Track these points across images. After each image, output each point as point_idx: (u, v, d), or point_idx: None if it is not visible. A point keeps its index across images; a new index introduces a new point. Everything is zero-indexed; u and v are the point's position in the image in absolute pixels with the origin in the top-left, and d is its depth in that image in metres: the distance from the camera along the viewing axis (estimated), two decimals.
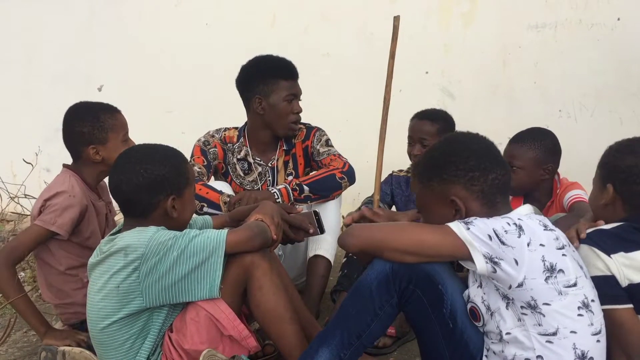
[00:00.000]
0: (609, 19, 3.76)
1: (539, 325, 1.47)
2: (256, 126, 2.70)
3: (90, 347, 2.01)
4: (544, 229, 1.53)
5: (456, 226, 1.51)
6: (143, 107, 4.30)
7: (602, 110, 3.82)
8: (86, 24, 4.45)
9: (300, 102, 2.69)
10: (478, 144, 1.67)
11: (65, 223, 2.16)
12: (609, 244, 1.61)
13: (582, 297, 1.50)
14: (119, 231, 1.88)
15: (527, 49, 3.91)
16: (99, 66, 4.42)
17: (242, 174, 2.75)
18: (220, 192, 2.49)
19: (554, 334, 1.47)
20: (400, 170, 2.91)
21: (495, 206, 1.60)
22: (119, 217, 2.05)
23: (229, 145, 2.75)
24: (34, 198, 2.69)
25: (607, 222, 1.73)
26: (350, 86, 4.10)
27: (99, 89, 4.40)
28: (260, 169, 2.74)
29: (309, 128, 2.77)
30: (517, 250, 1.46)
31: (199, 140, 2.73)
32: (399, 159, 2.90)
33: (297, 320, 1.93)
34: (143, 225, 1.81)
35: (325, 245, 2.54)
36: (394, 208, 2.87)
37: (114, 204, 2.48)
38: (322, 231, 2.29)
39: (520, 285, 1.46)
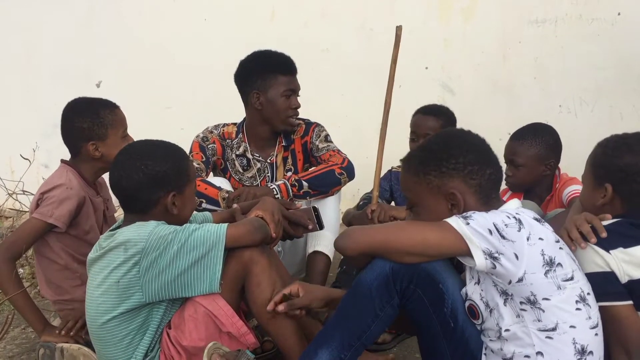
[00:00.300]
0: (610, 14, 3.75)
1: (539, 321, 1.46)
2: (255, 122, 2.69)
3: (88, 344, 2.01)
4: (540, 223, 1.53)
5: (455, 222, 1.49)
6: (142, 103, 4.28)
7: (602, 105, 3.82)
8: (85, 19, 4.43)
9: (299, 97, 2.68)
10: (475, 139, 1.66)
11: (63, 215, 2.14)
12: (608, 239, 1.59)
13: (579, 290, 1.50)
14: (118, 227, 1.88)
15: (527, 44, 3.90)
16: (98, 62, 4.40)
17: (241, 170, 2.74)
18: (219, 188, 2.48)
19: (554, 329, 1.46)
20: (400, 166, 2.89)
21: (490, 201, 1.60)
22: (119, 213, 2.05)
23: (227, 141, 2.74)
24: (32, 194, 2.68)
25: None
26: (349, 82, 4.09)
27: (98, 85, 4.38)
28: (259, 164, 2.73)
29: (308, 124, 2.76)
30: (517, 245, 1.45)
31: (197, 136, 2.72)
32: (398, 154, 2.88)
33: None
34: (143, 221, 1.81)
35: (324, 241, 2.53)
36: (392, 204, 2.86)
37: (113, 200, 2.48)
38: (321, 227, 2.28)
39: (520, 280, 1.45)
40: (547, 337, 1.46)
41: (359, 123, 4.01)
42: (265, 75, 2.61)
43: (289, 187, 2.50)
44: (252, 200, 2.28)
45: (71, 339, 2.07)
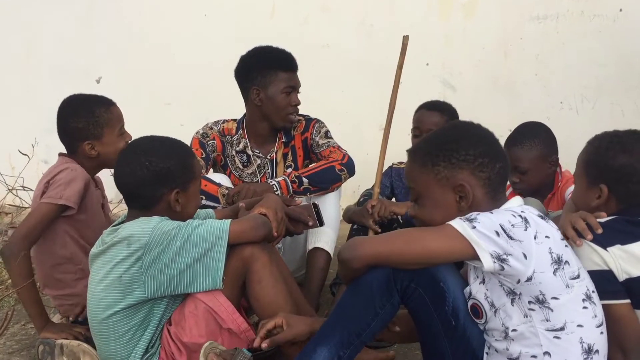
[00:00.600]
0: (611, 10, 3.74)
1: (547, 320, 1.45)
2: (254, 118, 2.69)
3: (88, 340, 2.01)
4: (545, 221, 1.51)
5: (460, 225, 1.46)
6: (142, 99, 4.28)
7: (603, 102, 3.81)
8: (85, 16, 4.41)
9: (299, 94, 2.67)
10: (484, 132, 1.64)
11: (73, 194, 2.11)
12: (604, 237, 1.59)
13: (585, 288, 1.49)
14: (122, 222, 1.88)
15: (529, 40, 3.89)
16: (97, 58, 4.39)
17: (241, 167, 2.73)
18: (219, 185, 2.47)
19: (562, 328, 1.45)
20: (401, 162, 2.89)
21: (497, 196, 1.58)
22: (118, 209, 2.04)
23: (227, 137, 2.73)
24: (32, 190, 2.67)
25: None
26: (350, 78, 4.08)
27: (97, 81, 4.37)
28: (259, 161, 2.72)
29: (308, 120, 2.75)
30: (525, 244, 1.43)
31: (197, 133, 2.71)
32: (399, 150, 2.88)
33: (297, 313, 1.91)
34: (146, 217, 1.81)
35: (324, 238, 2.53)
36: (393, 200, 2.85)
37: (111, 199, 2.47)
38: (321, 223, 2.28)
39: (529, 279, 1.43)
40: (555, 336, 1.45)
41: (359, 119, 4.00)
42: (266, 71, 2.60)
43: (289, 184, 2.50)
44: (254, 198, 2.28)
45: (71, 335, 2.07)
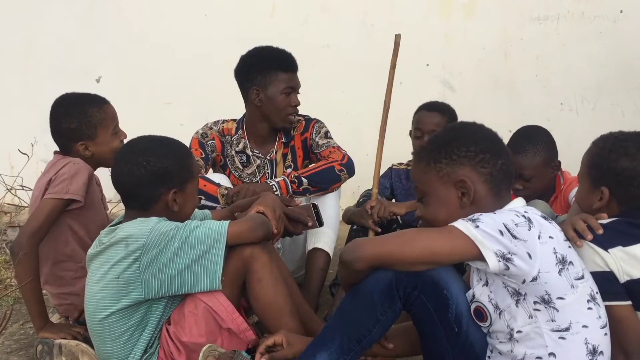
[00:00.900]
0: (612, 12, 3.75)
1: (552, 321, 1.44)
2: (254, 118, 2.68)
3: (86, 340, 2.00)
4: (547, 221, 1.51)
5: (463, 225, 1.45)
6: (141, 98, 4.28)
7: (603, 103, 3.81)
8: (85, 15, 4.41)
9: (299, 94, 2.66)
10: (487, 130, 1.65)
11: (79, 188, 2.09)
12: (606, 238, 1.59)
13: (589, 289, 1.49)
14: (119, 222, 1.87)
15: (529, 41, 3.89)
16: (97, 57, 4.39)
17: (240, 167, 2.73)
18: (218, 185, 2.47)
19: (567, 329, 1.44)
20: (400, 163, 2.89)
21: (500, 193, 1.58)
22: (117, 209, 2.04)
23: (227, 137, 2.72)
24: (31, 189, 2.66)
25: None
26: (350, 78, 4.08)
27: (97, 81, 4.37)
28: (258, 161, 2.72)
29: (308, 120, 2.75)
30: (529, 244, 1.42)
31: (196, 133, 2.71)
32: (399, 152, 2.89)
33: (297, 313, 1.92)
34: (144, 217, 1.80)
35: (324, 238, 2.52)
36: (393, 201, 2.85)
37: (109, 197, 2.46)
38: (321, 224, 2.27)
39: (534, 279, 1.42)
40: (560, 337, 1.44)
41: (359, 120, 4.00)
42: (266, 71, 2.60)
43: (289, 184, 2.49)
44: (251, 197, 2.27)
45: (69, 335, 2.06)
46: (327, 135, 2.72)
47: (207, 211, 2.21)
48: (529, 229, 1.44)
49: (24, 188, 3.46)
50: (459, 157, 1.57)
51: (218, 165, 2.75)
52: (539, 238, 1.44)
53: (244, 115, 2.75)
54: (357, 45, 4.09)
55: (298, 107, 2.66)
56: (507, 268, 1.42)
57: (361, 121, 3.98)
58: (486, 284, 1.54)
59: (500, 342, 1.53)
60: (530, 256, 1.41)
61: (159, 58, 4.31)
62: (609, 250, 1.57)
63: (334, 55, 4.12)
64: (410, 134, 2.76)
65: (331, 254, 2.55)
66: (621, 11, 3.72)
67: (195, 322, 1.80)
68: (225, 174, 2.72)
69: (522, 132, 2.46)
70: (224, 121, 2.76)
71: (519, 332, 1.47)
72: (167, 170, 1.82)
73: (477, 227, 1.43)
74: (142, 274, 1.74)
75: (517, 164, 2.33)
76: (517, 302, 1.47)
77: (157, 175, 1.81)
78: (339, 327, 1.60)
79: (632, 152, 1.69)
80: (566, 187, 2.41)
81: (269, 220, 1.96)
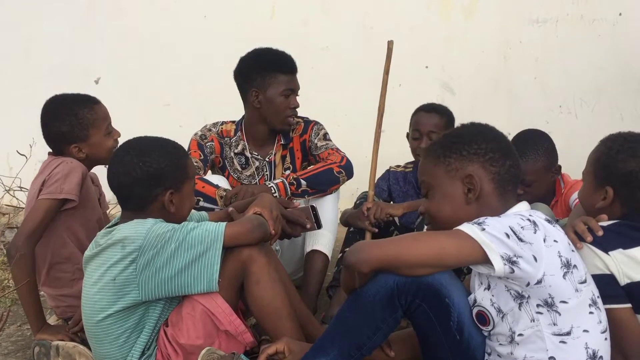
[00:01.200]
0: (611, 14, 3.75)
1: (554, 324, 1.44)
2: (253, 120, 2.68)
3: (84, 342, 2.00)
4: (551, 225, 1.51)
5: (469, 229, 1.45)
6: (140, 99, 4.28)
7: (602, 106, 3.82)
8: (84, 16, 4.41)
9: (298, 96, 2.66)
10: (498, 132, 1.67)
11: (73, 187, 2.08)
12: (607, 241, 1.59)
13: (591, 293, 1.49)
14: (115, 224, 1.87)
15: (528, 44, 3.90)
16: (96, 59, 4.39)
17: (239, 169, 2.72)
18: (217, 187, 2.47)
19: (568, 333, 1.44)
20: (398, 166, 2.89)
21: (505, 194, 1.58)
22: (116, 211, 2.03)
23: (226, 139, 2.72)
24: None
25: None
26: (349, 80, 4.08)
27: (96, 82, 4.37)
28: (257, 163, 2.71)
29: (307, 122, 2.75)
30: (535, 247, 1.42)
31: (195, 134, 2.71)
32: (397, 153, 2.89)
33: (295, 315, 1.91)
34: (140, 218, 1.80)
35: (322, 240, 2.52)
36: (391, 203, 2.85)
37: (108, 198, 2.45)
38: (319, 226, 2.27)
39: (539, 282, 1.42)
40: (560, 341, 1.44)
41: (358, 122, 3.99)
42: (265, 73, 2.59)
43: (287, 186, 2.49)
44: (249, 198, 2.27)
45: (67, 337, 2.06)
46: (325, 137, 2.72)
47: (204, 213, 2.20)
48: (535, 232, 1.44)
49: (23, 189, 3.45)
50: (469, 153, 1.59)
51: (217, 167, 2.75)
52: (544, 241, 1.44)
53: (243, 117, 2.75)
54: (356, 48, 4.09)
55: (297, 109, 2.66)
56: (512, 271, 1.41)
57: (360, 123, 3.96)
58: (488, 287, 1.54)
59: (500, 344, 1.53)
60: (535, 259, 1.41)
61: (158, 59, 4.31)
62: (609, 252, 1.57)
63: (334, 57, 4.12)
64: (407, 136, 2.76)
65: (329, 256, 2.54)
66: (620, 14, 3.72)
67: (193, 324, 1.79)
68: (224, 175, 2.71)
69: (523, 136, 2.44)
70: (223, 123, 2.76)
71: (520, 335, 1.47)
72: (163, 171, 1.82)
73: (484, 229, 1.43)
74: (138, 275, 1.73)
75: None
76: (520, 305, 1.47)
77: (153, 176, 1.81)
78: (339, 333, 1.59)
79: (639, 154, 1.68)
80: (567, 191, 2.41)
81: (266, 221, 1.96)
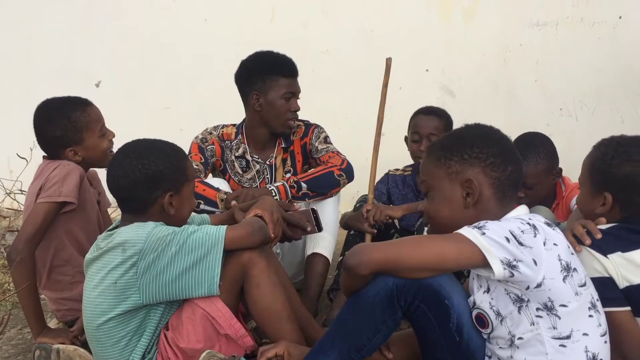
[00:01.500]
0: (611, 17, 3.76)
1: (554, 328, 1.44)
2: (254, 123, 2.68)
3: (84, 345, 1.99)
4: (551, 228, 1.51)
5: (469, 233, 1.45)
6: (141, 103, 4.28)
7: (603, 108, 3.82)
8: (84, 19, 4.42)
9: (298, 99, 2.66)
10: (502, 136, 1.65)
11: (71, 190, 2.07)
12: (605, 244, 1.59)
13: (590, 297, 1.49)
14: (116, 227, 1.87)
15: (528, 46, 3.90)
16: (97, 62, 4.39)
17: (240, 172, 2.73)
18: (217, 190, 2.47)
19: (568, 337, 1.44)
20: (397, 170, 2.89)
21: (504, 199, 1.58)
22: (117, 214, 2.03)
23: (227, 142, 2.72)
24: None
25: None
26: (349, 83, 4.08)
27: (97, 85, 4.37)
28: (258, 166, 2.72)
29: (308, 125, 2.75)
30: (535, 250, 1.42)
31: (196, 138, 2.71)
32: (398, 156, 2.89)
33: (295, 318, 1.91)
34: (141, 221, 1.80)
35: (323, 243, 2.52)
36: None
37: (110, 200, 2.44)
38: (320, 229, 2.27)
39: (538, 285, 1.42)
40: (560, 345, 1.44)
41: (358, 124, 3.99)
42: (266, 76, 2.60)
43: (288, 189, 2.49)
44: (250, 201, 2.27)
45: (67, 340, 2.06)
46: (326, 140, 2.72)
47: (205, 215, 2.20)
48: (535, 236, 1.44)
49: (23, 192, 3.45)
50: (470, 157, 1.58)
51: (218, 170, 2.75)
52: (544, 245, 1.44)
53: (244, 120, 2.75)
54: (356, 50, 4.09)
55: (298, 112, 2.67)
56: (512, 275, 1.42)
57: (360, 126, 3.96)
58: (487, 290, 1.54)
59: (500, 347, 1.53)
60: (535, 263, 1.41)
61: (159, 63, 4.32)
62: (608, 255, 1.57)
63: (334, 60, 4.13)
64: (405, 139, 2.76)
65: (330, 259, 2.54)
66: (620, 17, 3.73)
67: (193, 327, 1.79)
68: (224, 178, 2.71)
69: (524, 139, 2.44)
70: (223, 126, 2.76)
71: (520, 338, 1.47)
72: (162, 173, 1.81)
73: (484, 234, 1.43)
74: (139, 279, 1.73)
75: None
76: (519, 308, 1.47)
77: (152, 178, 1.80)
78: (339, 335, 1.59)
79: (635, 158, 1.68)
80: (568, 193, 2.41)
81: (266, 224, 1.96)
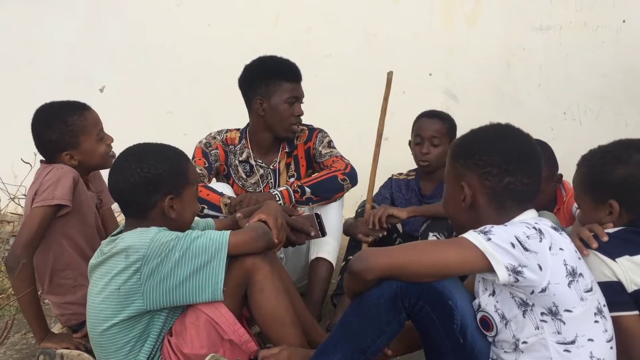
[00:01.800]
0: (615, 21, 3.75)
1: (558, 333, 1.44)
2: (257, 128, 2.68)
3: (88, 350, 1.99)
4: (558, 232, 1.50)
5: (475, 238, 1.45)
6: (144, 108, 4.29)
7: (606, 113, 3.81)
8: (88, 24, 4.44)
9: (302, 104, 2.66)
10: (514, 143, 1.61)
11: (65, 192, 2.06)
12: (613, 247, 1.58)
13: (597, 302, 1.48)
14: (120, 232, 1.87)
15: (532, 51, 3.89)
16: (101, 67, 4.40)
17: (244, 176, 2.73)
18: (221, 194, 2.47)
19: (573, 342, 1.44)
20: (400, 174, 2.88)
21: (504, 210, 1.57)
22: (121, 219, 2.03)
23: (230, 147, 2.73)
24: None
25: None
26: (352, 88, 4.08)
27: (101, 90, 4.38)
28: (262, 171, 2.72)
29: (311, 129, 2.75)
30: (540, 255, 1.42)
31: (200, 142, 2.71)
32: (401, 160, 2.88)
33: (299, 323, 1.91)
34: (143, 226, 1.80)
35: (327, 248, 2.52)
36: None
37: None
38: (323, 234, 2.27)
39: (543, 290, 1.42)
40: (565, 350, 1.44)
41: (362, 129, 3.98)
42: (270, 81, 2.60)
43: (292, 193, 2.49)
44: (254, 206, 2.27)
45: (71, 345, 2.05)
46: (330, 144, 2.73)
47: (210, 220, 2.21)
48: (540, 241, 1.44)
49: None
50: (471, 162, 1.59)
51: (221, 175, 2.75)
52: (549, 249, 1.43)
53: (248, 124, 2.75)
54: (359, 55, 4.09)
55: (301, 117, 2.67)
56: (517, 280, 1.42)
57: (364, 130, 3.96)
58: (492, 293, 1.54)
59: (505, 351, 1.52)
60: (540, 268, 1.41)
61: (162, 68, 4.33)
62: (616, 259, 1.56)
63: (337, 65, 4.13)
64: (409, 143, 2.76)
65: (334, 264, 2.54)
66: (624, 21, 3.72)
67: (197, 333, 1.79)
68: (228, 183, 2.72)
69: None
70: (227, 131, 2.77)
71: (524, 342, 1.47)
72: (161, 177, 1.81)
73: (489, 239, 1.43)
74: (143, 285, 1.73)
75: None
76: (524, 312, 1.47)
77: (151, 181, 1.80)
78: (343, 337, 1.59)
79: (625, 159, 1.68)
80: (568, 198, 2.40)
81: (270, 230, 1.95)
